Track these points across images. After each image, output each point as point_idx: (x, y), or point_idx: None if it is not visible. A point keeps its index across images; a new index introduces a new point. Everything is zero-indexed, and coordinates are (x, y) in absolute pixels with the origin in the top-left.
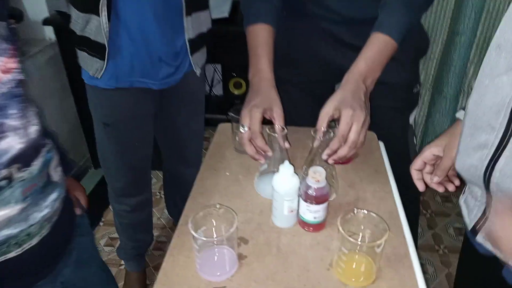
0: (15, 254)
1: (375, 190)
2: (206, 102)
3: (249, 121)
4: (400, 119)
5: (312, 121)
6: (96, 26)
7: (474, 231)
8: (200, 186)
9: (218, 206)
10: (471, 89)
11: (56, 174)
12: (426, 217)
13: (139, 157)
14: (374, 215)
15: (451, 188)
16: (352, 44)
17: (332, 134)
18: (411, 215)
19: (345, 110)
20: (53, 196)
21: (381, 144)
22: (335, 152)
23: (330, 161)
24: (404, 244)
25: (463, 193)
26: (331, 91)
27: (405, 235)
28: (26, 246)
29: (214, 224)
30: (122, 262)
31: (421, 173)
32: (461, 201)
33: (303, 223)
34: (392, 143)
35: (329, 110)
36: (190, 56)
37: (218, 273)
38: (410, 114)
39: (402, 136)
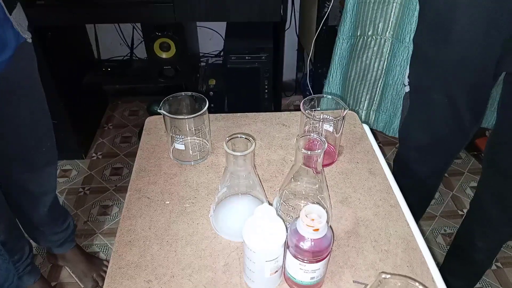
0: None
1: (376, 203)
2: (128, 68)
3: None
4: None
5: None
6: None
7: None
8: (127, 229)
9: None
10: None
11: None
12: None
13: None
14: (415, 284)
15: None
16: None
17: (325, 144)
18: None
19: None
20: None
21: (366, 128)
22: None
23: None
24: None
25: None
26: None
27: (434, 279)
28: None
29: None
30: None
31: None
32: None
33: (292, 282)
34: None
35: None
36: (8, 15)
37: None
38: None
39: None
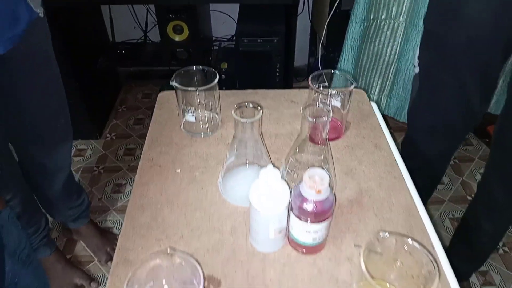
0: None
1: (380, 175)
2: (141, 51)
3: None
4: None
5: None
6: None
7: None
8: (139, 194)
9: (169, 251)
10: None
11: None
12: None
13: None
14: (410, 241)
15: None
16: None
17: (330, 112)
18: None
19: None
20: None
21: (374, 106)
22: None
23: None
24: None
25: None
26: None
27: (433, 245)
28: None
29: (164, 281)
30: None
31: None
32: None
33: (295, 244)
34: None
35: None
36: None
37: None
38: None
39: None
